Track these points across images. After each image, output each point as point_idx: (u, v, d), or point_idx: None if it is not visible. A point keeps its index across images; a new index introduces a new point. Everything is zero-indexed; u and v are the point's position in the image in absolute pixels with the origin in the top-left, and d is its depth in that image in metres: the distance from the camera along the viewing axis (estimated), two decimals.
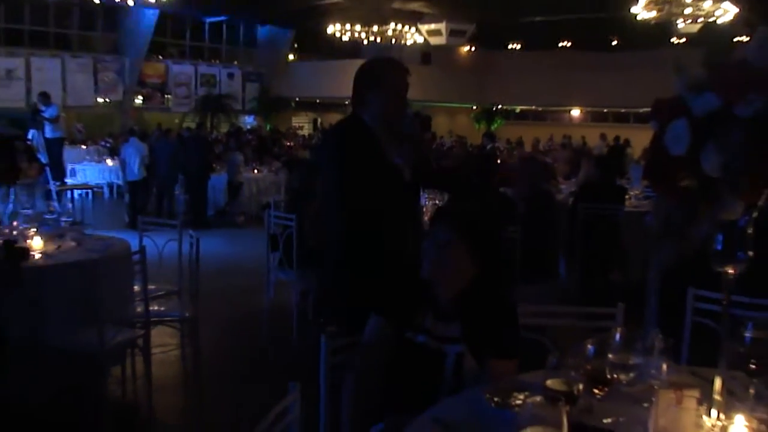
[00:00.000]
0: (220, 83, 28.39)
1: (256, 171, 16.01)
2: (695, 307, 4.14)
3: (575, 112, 36.82)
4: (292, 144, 20.85)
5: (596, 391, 2.33)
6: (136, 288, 5.43)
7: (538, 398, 2.58)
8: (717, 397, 2.36)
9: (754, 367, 2.46)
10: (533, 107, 36.33)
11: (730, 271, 2.29)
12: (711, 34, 20.51)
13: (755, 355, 2.47)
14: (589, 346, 2.39)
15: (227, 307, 8.19)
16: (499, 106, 34.25)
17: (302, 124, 30.82)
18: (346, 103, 33.03)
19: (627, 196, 9.47)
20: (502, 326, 3.14)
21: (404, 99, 4.26)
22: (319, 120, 32.22)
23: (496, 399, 2.59)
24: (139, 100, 27.52)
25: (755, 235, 2.20)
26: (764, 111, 2.05)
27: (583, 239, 8.64)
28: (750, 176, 2.06)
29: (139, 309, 5.44)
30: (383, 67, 4.30)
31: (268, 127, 25.89)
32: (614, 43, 30.78)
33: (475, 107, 34.36)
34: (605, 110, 35.08)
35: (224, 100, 26.26)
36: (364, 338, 3.16)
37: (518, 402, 2.54)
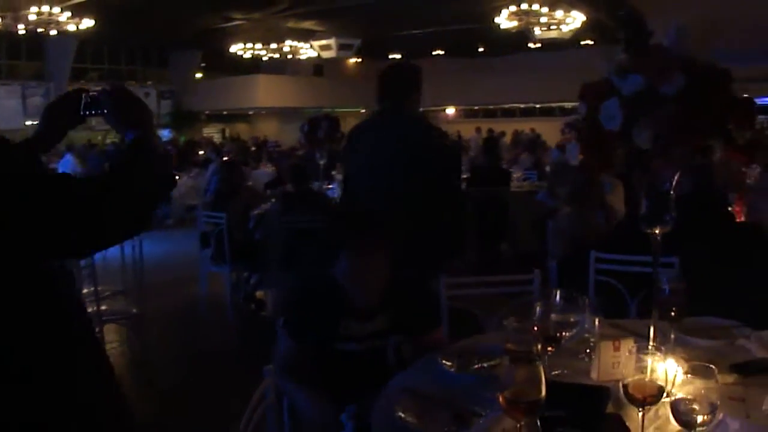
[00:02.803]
0: (111, 82, 27.23)
1: (177, 177, 15.48)
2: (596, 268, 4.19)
3: (450, 111, 37.27)
4: (204, 151, 20.47)
5: (549, 348, 2.25)
6: (85, 290, 5.16)
7: (495, 361, 2.51)
8: (652, 342, 2.32)
9: (673, 314, 2.45)
10: None
11: (657, 231, 2.26)
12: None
13: (673, 303, 2.46)
14: (537, 308, 2.31)
15: (166, 300, 7.88)
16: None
17: (212, 134, 30.26)
18: (250, 113, 33.01)
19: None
20: (422, 303, 3.03)
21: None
22: (227, 130, 31.83)
23: (452, 364, 2.50)
24: None
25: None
26: (686, 89, 2.01)
27: (476, 217, 8.68)
28: (677, 146, 2.02)
29: (90, 309, 5.18)
30: (418, 73, 4.48)
31: (182, 139, 25.27)
32: (480, 50, 31.10)
33: (363, 110, 34.38)
34: (476, 107, 35.71)
35: None
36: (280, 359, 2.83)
37: (476, 366, 2.46)
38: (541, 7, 18.47)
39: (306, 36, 23.11)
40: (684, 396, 1.78)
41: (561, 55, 27.24)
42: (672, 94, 1.84)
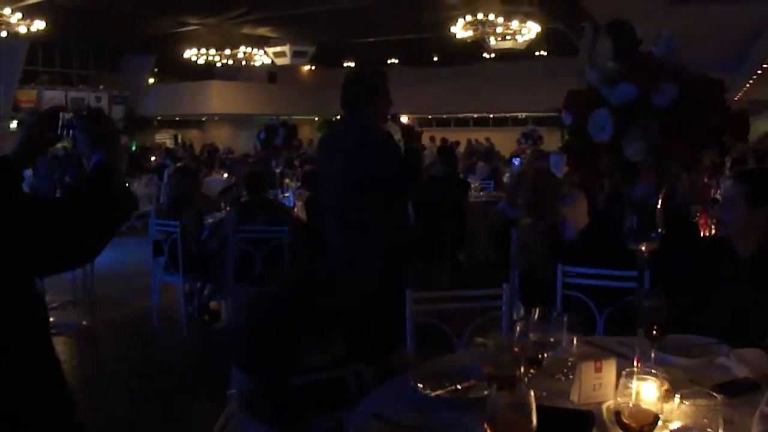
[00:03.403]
0: (89, 107, 26.99)
1: (127, 184, 15.17)
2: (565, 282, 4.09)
3: (404, 119, 37.09)
4: (156, 157, 20.12)
5: (531, 371, 2.13)
6: None
7: (470, 383, 2.37)
8: (636, 362, 2.21)
9: (654, 332, 2.35)
10: None
11: (644, 248, 2.16)
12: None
13: (654, 321, 2.37)
14: (518, 327, 2.19)
15: (118, 311, 7.62)
16: (338, 117, 34.26)
17: (164, 139, 29.86)
18: (203, 119, 32.66)
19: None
20: (380, 323, 2.90)
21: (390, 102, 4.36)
22: (179, 135, 31.44)
23: (424, 386, 2.34)
24: (14, 125, 25.97)
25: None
26: (679, 99, 1.91)
27: (434, 227, 8.57)
28: (670, 159, 1.92)
29: None
30: (380, 80, 4.38)
31: (134, 145, 24.82)
32: (435, 59, 31.23)
33: (316, 119, 34.23)
34: (430, 116, 35.76)
35: None
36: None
37: (450, 388, 2.31)
38: (496, 17, 18.53)
39: (260, 42, 22.90)
40: (683, 425, 1.68)
41: (515, 65, 27.49)
42: (664, 105, 1.76)
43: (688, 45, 2.09)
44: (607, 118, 1.91)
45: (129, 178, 15.03)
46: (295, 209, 7.56)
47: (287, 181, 9.04)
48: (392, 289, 3.71)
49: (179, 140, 30.38)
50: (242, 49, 22.01)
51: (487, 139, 24.42)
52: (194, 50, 21.56)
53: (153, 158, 19.52)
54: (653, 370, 1.94)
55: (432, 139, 26.68)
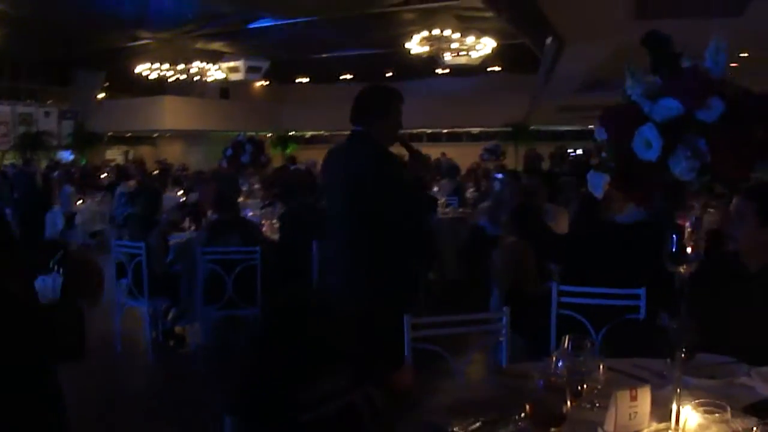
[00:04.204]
0: (37, 122, 26.52)
1: (80, 202, 14.78)
2: (560, 302, 3.99)
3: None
4: (106, 175, 19.66)
5: (572, 403, 2.00)
6: None
7: (493, 417, 2.22)
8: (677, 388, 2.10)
9: (683, 355, 2.25)
10: (322, 132, 36.56)
11: (682, 270, 2.06)
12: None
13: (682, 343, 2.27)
14: (556, 358, 2.06)
15: None
16: (292, 133, 34.15)
17: (115, 157, 29.28)
18: (155, 136, 32.19)
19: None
20: (383, 342, 2.77)
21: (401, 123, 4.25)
22: (130, 152, 30.89)
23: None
24: None
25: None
26: (726, 115, 1.81)
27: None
28: (718, 177, 1.82)
29: None
30: (387, 97, 4.29)
31: (83, 162, 24.30)
32: (389, 74, 31.23)
33: (270, 134, 34.01)
34: None
35: (42, 137, 24.58)
36: None
37: (476, 426, 2.15)
38: (452, 33, 18.61)
39: (214, 57, 22.65)
40: None
41: (468, 80, 27.62)
42: (711, 121, 1.68)
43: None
44: (654, 135, 1.80)
45: (81, 195, 14.66)
46: (263, 228, 7.35)
47: (245, 199, 8.82)
48: (394, 310, 3.59)
49: (130, 157, 29.84)
50: (195, 64, 21.75)
51: (443, 155, 24.44)
52: (146, 65, 21.23)
53: (104, 175, 19.07)
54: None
55: None
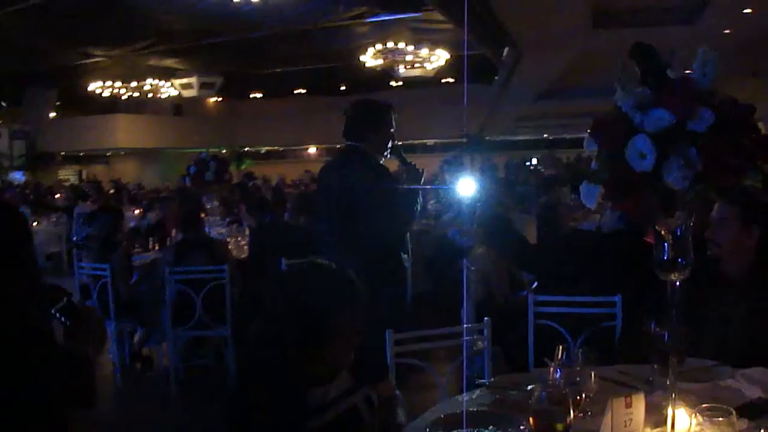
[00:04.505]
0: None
1: (36, 224, 14.49)
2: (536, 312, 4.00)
3: (312, 150, 37.19)
4: (61, 194, 19.30)
5: (574, 414, 2.01)
6: None
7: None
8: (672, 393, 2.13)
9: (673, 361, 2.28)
10: (276, 147, 36.42)
11: (673, 278, 2.08)
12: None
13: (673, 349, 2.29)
14: (553, 371, 2.07)
15: None
16: (247, 149, 33.98)
17: (68, 176, 28.79)
18: (108, 154, 31.73)
19: None
20: (372, 351, 2.77)
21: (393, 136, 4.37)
22: (84, 172, 30.41)
23: None
24: None
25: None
26: (715, 124, 1.84)
27: None
28: (709, 186, 1.85)
29: None
30: (378, 112, 4.38)
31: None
32: (342, 88, 31.22)
33: (224, 150, 33.79)
34: (338, 146, 35.52)
35: None
36: None
37: None
38: (406, 45, 18.68)
39: (167, 74, 22.42)
40: None
41: (422, 92, 27.70)
42: (701, 130, 1.70)
43: (611, 68, 2.06)
44: (648, 146, 1.82)
45: (35, 217, 14.37)
46: (229, 245, 7.27)
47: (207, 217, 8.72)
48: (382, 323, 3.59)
49: (84, 176, 29.39)
50: (148, 81, 21.52)
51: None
52: (99, 83, 20.93)
53: (58, 195, 18.73)
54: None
55: None
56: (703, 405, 1.90)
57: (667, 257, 2.04)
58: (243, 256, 7.18)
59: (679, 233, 2.01)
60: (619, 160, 1.87)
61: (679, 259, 2.05)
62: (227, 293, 5.95)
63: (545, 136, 32.47)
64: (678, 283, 2.09)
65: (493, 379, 2.48)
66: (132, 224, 10.06)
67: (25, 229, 2.31)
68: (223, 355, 6.36)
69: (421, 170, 4.39)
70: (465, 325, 3.67)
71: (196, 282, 5.96)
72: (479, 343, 3.61)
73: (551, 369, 2.07)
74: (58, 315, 2.20)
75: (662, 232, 2.02)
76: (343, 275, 2.47)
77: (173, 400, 6.05)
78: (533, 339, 4.01)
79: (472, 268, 5.22)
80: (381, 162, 4.31)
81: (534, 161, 21.11)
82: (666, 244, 2.02)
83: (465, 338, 3.67)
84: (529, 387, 2.40)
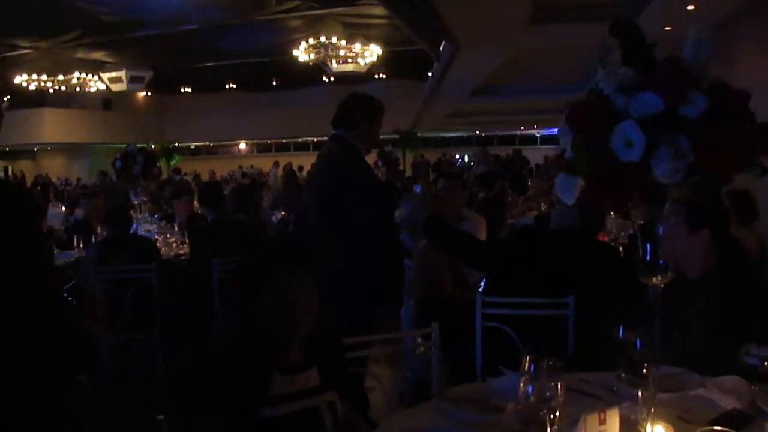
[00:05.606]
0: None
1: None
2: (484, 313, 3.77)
3: (243, 146, 36.73)
4: None
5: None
6: None
7: None
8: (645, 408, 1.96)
9: (645, 371, 2.07)
10: (207, 143, 35.78)
11: (656, 281, 1.86)
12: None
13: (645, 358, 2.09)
14: (522, 385, 1.82)
15: None
16: (177, 144, 33.29)
17: None
18: (35, 149, 30.61)
19: None
20: (341, 361, 2.55)
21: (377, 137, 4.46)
22: (10, 168, 29.28)
23: None
24: None
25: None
26: (709, 111, 1.61)
27: None
28: (703, 179, 1.62)
29: None
30: (364, 105, 4.42)
31: None
32: (274, 83, 30.81)
33: (153, 146, 32.98)
34: (269, 141, 35.31)
35: None
36: None
37: None
38: (339, 40, 18.38)
39: (95, 68, 21.62)
40: None
41: (355, 88, 27.43)
42: (694, 117, 1.49)
43: (550, 63, 1.83)
44: (636, 133, 1.58)
45: None
46: (158, 243, 6.86)
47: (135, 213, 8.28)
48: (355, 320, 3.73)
49: (10, 172, 28.32)
50: (76, 74, 20.73)
51: None
52: (25, 76, 20.05)
53: None
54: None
55: (276, 164, 26.31)
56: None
57: (650, 259, 1.81)
58: (172, 254, 6.78)
59: (656, 233, 1.78)
60: (600, 149, 1.62)
61: (658, 261, 1.83)
62: (155, 293, 5.58)
63: (477, 132, 32.61)
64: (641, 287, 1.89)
65: (443, 391, 2.24)
66: (58, 221, 9.59)
67: (38, 207, 2.22)
68: (152, 359, 5.97)
69: (401, 169, 4.41)
70: (405, 331, 3.42)
71: (122, 281, 5.58)
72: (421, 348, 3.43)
73: (521, 383, 1.83)
74: (66, 295, 2.30)
75: (642, 231, 1.79)
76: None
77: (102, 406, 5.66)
78: (480, 342, 3.80)
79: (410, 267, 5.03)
80: (362, 155, 4.37)
81: (466, 158, 21.09)
82: (649, 245, 1.79)
83: (406, 341, 3.53)
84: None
